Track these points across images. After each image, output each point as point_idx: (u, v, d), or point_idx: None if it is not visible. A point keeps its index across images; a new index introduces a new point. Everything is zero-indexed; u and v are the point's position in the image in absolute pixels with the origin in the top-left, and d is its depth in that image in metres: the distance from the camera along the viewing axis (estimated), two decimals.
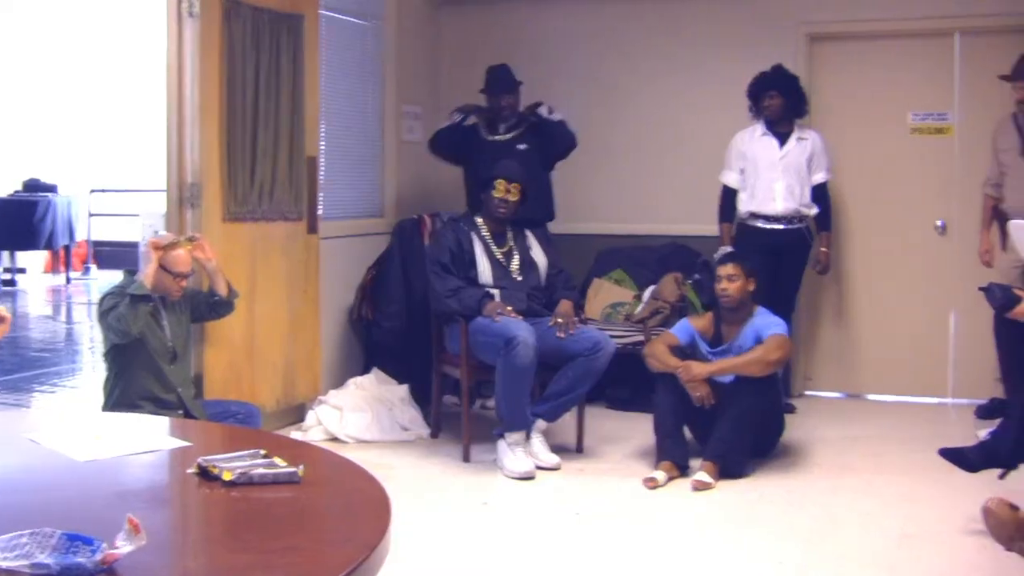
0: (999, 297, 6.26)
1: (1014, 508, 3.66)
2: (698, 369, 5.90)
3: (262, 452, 2.85)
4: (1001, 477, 5.07)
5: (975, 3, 7.81)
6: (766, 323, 6.13)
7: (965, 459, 5.18)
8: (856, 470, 6.16)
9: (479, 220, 6.51)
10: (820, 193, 7.54)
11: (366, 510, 2.60)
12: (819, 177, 7.50)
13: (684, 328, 6.32)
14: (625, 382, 7.47)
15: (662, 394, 6.01)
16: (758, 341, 6.04)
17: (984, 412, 7.26)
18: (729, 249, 7.27)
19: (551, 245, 6.83)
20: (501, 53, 7.77)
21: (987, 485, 5.11)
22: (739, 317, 6.17)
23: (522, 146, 7.27)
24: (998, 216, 7.39)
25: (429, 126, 8.38)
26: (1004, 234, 7.23)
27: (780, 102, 7.38)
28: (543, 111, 7.29)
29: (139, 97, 14.75)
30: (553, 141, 7.35)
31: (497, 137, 7.30)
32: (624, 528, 5.13)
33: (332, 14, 7.33)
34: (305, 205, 6.77)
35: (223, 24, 6.11)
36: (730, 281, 6.09)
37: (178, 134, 6.03)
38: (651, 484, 5.70)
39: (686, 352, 6.13)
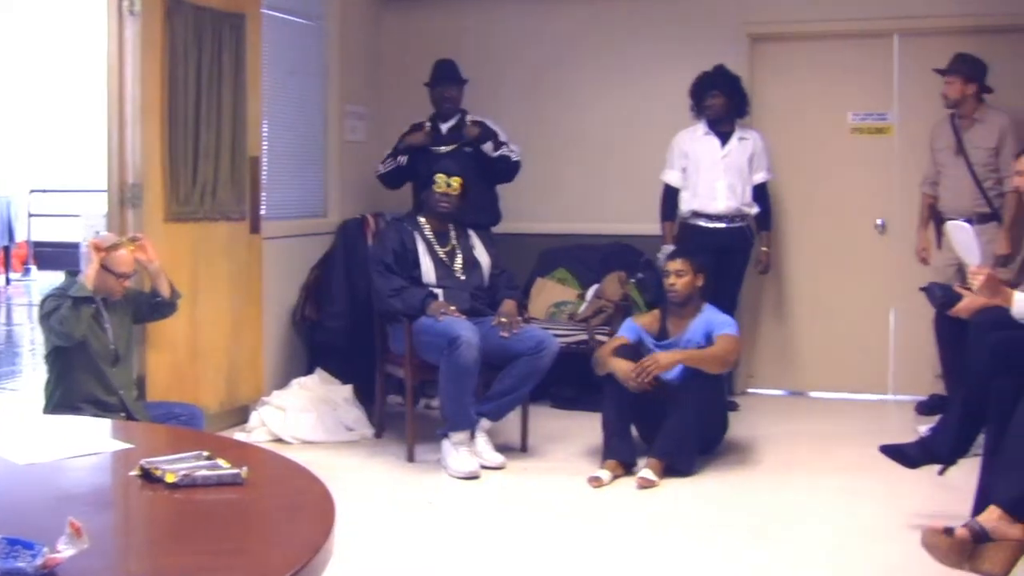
0: (939, 296, 6.34)
1: (948, 532, 3.69)
2: (665, 359, 5.93)
3: (205, 454, 2.84)
4: (940, 473, 5.14)
5: (913, 5, 7.90)
6: (718, 321, 6.20)
7: (905, 456, 5.23)
8: (800, 467, 6.21)
9: (422, 220, 6.52)
10: (761, 193, 7.60)
11: (310, 511, 2.60)
12: (760, 177, 7.56)
13: (629, 327, 6.38)
14: (569, 381, 7.50)
15: (609, 393, 6.04)
16: (708, 337, 6.11)
17: (924, 408, 7.35)
18: (671, 248, 7.33)
19: (493, 245, 6.85)
20: (444, 53, 7.77)
21: (929, 480, 5.19)
22: (686, 312, 6.24)
23: (468, 148, 7.34)
24: (935, 215, 7.49)
25: (372, 126, 8.41)
26: (940, 233, 7.34)
27: (722, 102, 7.43)
28: (487, 148, 7.35)
29: (79, 96, 14.61)
30: (495, 174, 7.46)
31: (442, 148, 7.31)
32: (571, 527, 5.13)
33: (274, 13, 7.29)
34: (248, 205, 6.74)
35: (164, 23, 6.06)
36: (678, 276, 6.17)
37: (119, 134, 5.98)
38: (596, 483, 5.72)
39: (637, 350, 6.17)
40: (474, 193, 6.90)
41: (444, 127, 7.42)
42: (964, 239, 5.00)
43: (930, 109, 7.62)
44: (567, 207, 8.44)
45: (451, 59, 7.53)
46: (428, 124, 7.45)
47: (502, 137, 7.42)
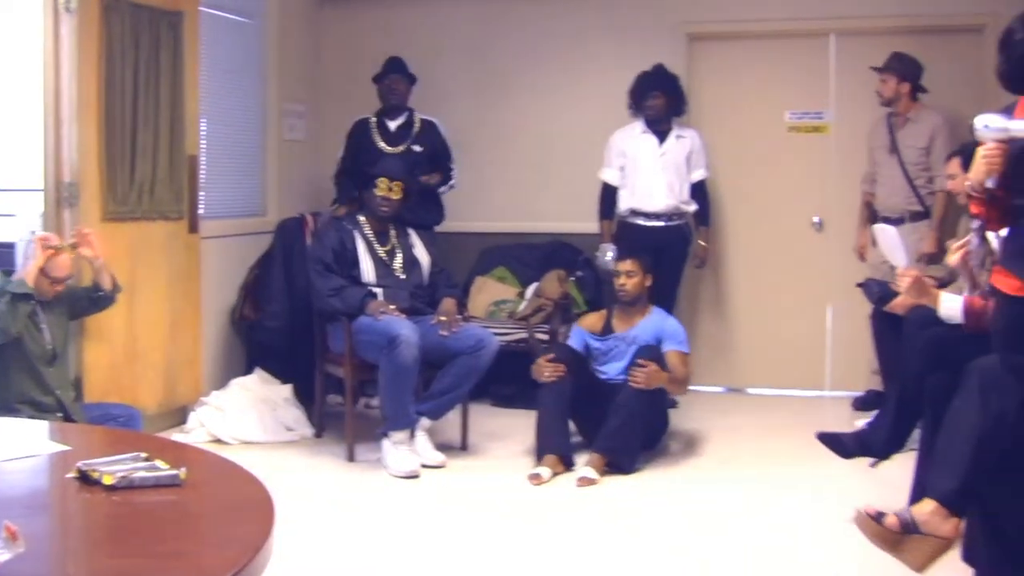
0: (876, 292, 6.45)
1: (878, 519, 3.73)
2: (653, 380, 5.95)
3: (143, 455, 2.82)
4: (872, 465, 5.21)
5: (849, 5, 7.98)
6: (670, 331, 6.33)
7: (841, 445, 5.30)
8: (739, 462, 6.26)
9: (362, 219, 6.51)
10: (699, 190, 7.65)
11: (249, 512, 2.58)
12: (698, 175, 7.61)
13: (576, 334, 6.50)
14: (509, 379, 7.51)
15: (546, 390, 6.06)
16: (658, 340, 6.22)
17: (860, 404, 7.42)
18: (611, 246, 7.37)
19: (435, 244, 6.86)
20: (384, 51, 7.77)
21: (866, 475, 5.26)
22: (634, 311, 6.36)
23: (417, 147, 7.38)
24: (873, 213, 7.58)
25: (311, 124, 8.39)
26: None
27: (663, 102, 7.47)
28: (442, 191, 7.56)
29: (14, 94, 14.43)
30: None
31: (391, 148, 7.31)
32: (512, 526, 5.14)
33: (212, 11, 7.24)
34: (186, 204, 6.69)
35: (101, 20, 6.02)
36: (629, 277, 6.29)
37: (55, 132, 5.91)
38: (536, 480, 5.73)
39: (577, 356, 6.26)
40: (419, 193, 6.95)
41: (392, 125, 7.42)
42: (889, 241, 5.08)
43: (866, 108, 7.72)
44: (507, 206, 8.45)
45: (399, 57, 7.58)
46: (374, 119, 7.45)
47: (448, 144, 7.56)
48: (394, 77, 7.48)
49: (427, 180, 7.30)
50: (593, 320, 6.54)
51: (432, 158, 7.48)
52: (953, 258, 5.01)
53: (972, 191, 3.93)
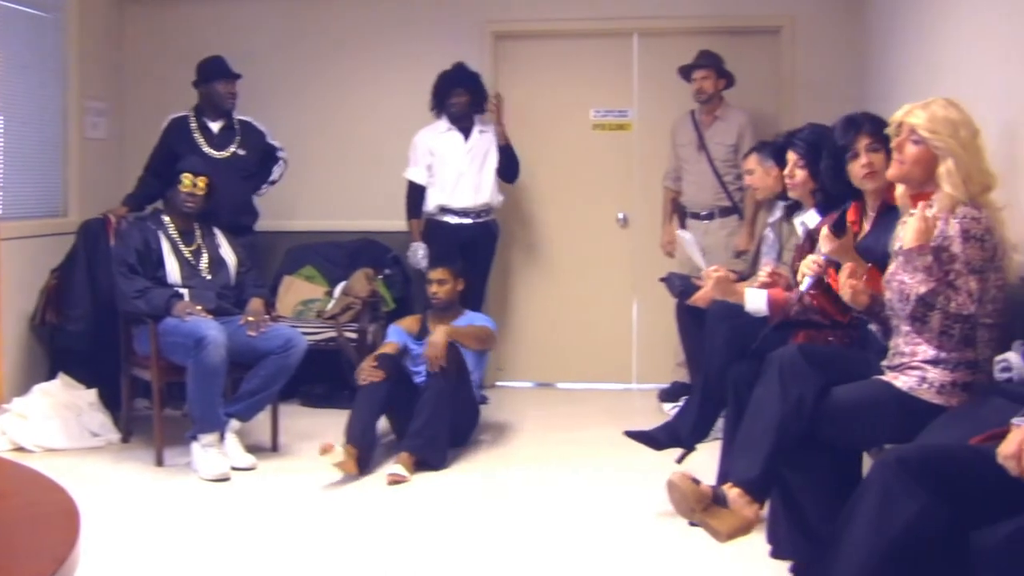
0: (678, 286, 6.63)
1: (696, 482, 3.86)
2: (438, 337, 6.09)
3: None
4: (678, 461, 5.34)
5: (652, 6, 8.16)
6: (478, 321, 6.58)
7: (652, 439, 5.43)
8: (550, 457, 6.33)
9: (166, 219, 6.41)
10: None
11: (54, 521, 2.55)
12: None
13: (394, 332, 6.56)
14: (319, 379, 7.51)
15: (362, 391, 6.08)
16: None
17: (666, 395, 7.58)
18: (421, 245, 7.41)
19: (253, 245, 6.82)
20: (192, 48, 7.68)
21: (673, 467, 5.36)
22: (448, 316, 6.49)
23: (241, 151, 7.31)
24: (678, 209, 7.76)
25: (114, 122, 8.22)
26: (683, 226, 7.60)
27: (466, 99, 7.54)
28: (275, 176, 7.53)
29: None
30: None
31: (218, 153, 7.20)
32: (325, 526, 5.11)
33: (9, 4, 7.06)
34: None
35: None
36: (440, 285, 6.46)
37: None
38: (325, 450, 5.69)
39: (397, 360, 6.31)
40: (234, 195, 6.93)
41: (215, 126, 7.30)
42: (687, 247, 5.22)
43: (667, 106, 7.92)
44: (314, 204, 8.40)
45: (220, 56, 7.43)
46: (194, 120, 7.31)
47: (269, 139, 7.50)
48: (227, 81, 7.31)
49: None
50: (409, 323, 6.64)
51: (260, 161, 7.43)
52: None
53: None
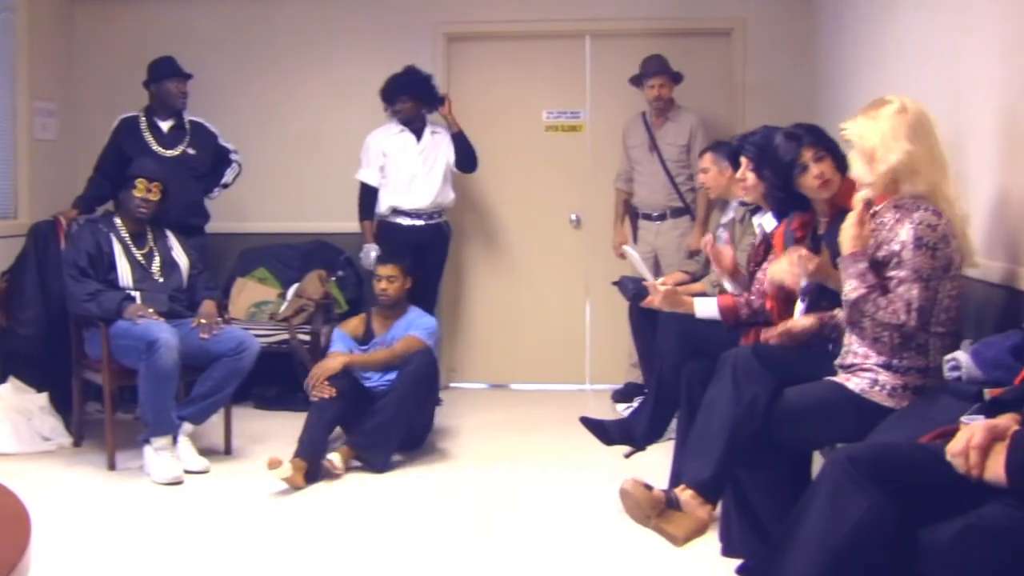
0: (631, 289, 6.68)
1: (648, 488, 3.89)
2: (331, 363, 6.12)
3: None
4: (627, 456, 5.37)
5: (603, 8, 8.18)
6: (418, 323, 6.45)
7: (604, 431, 5.45)
8: (504, 458, 6.35)
9: (118, 221, 6.38)
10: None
11: (4, 527, 2.53)
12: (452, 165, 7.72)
13: (339, 339, 6.50)
14: (272, 381, 7.49)
15: (314, 407, 6.08)
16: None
17: (619, 396, 7.61)
18: (374, 247, 7.39)
19: (205, 247, 6.80)
20: (142, 49, 7.65)
21: (627, 467, 5.40)
22: (394, 313, 6.46)
23: (192, 151, 7.27)
24: (629, 210, 7.79)
25: (64, 123, 8.15)
26: (636, 227, 7.64)
27: (412, 105, 7.51)
28: (227, 179, 7.50)
29: None
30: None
31: (167, 152, 7.16)
32: (279, 528, 5.10)
33: None
34: None
35: None
36: (390, 282, 6.39)
37: None
38: (274, 464, 5.63)
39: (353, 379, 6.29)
40: (183, 195, 6.90)
41: (165, 126, 7.27)
42: (634, 262, 5.25)
43: (619, 107, 7.96)
44: (266, 206, 8.37)
45: (171, 56, 7.38)
46: (144, 119, 7.27)
47: (221, 141, 7.47)
48: (179, 81, 7.27)
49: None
50: (354, 324, 6.61)
51: (212, 163, 7.40)
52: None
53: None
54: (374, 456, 5.97)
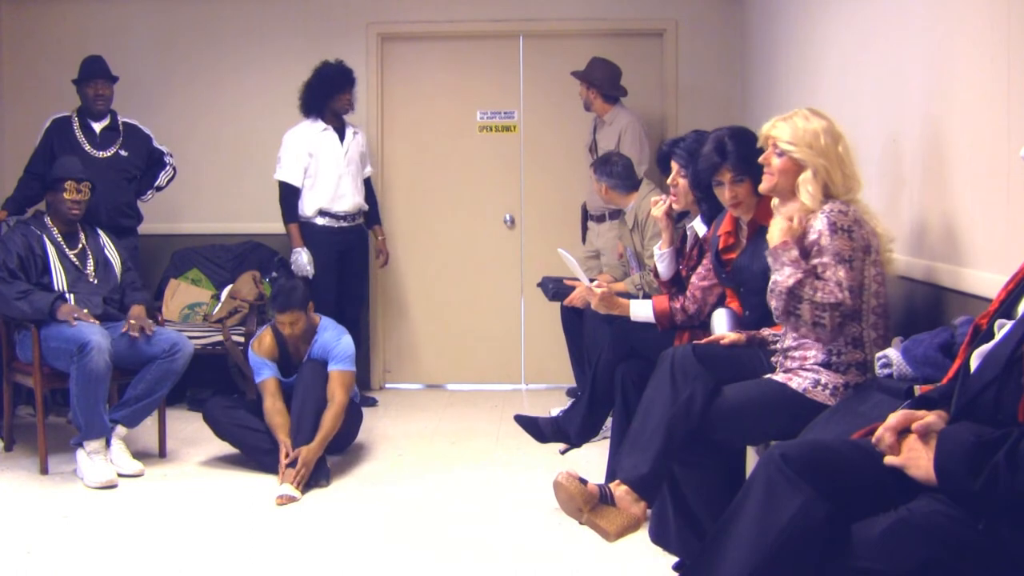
0: (551, 289, 6.76)
1: (583, 481, 3.91)
2: (307, 455, 5.75)
3: None
4: (562, 452, 5.40)
5: (537, 8, 8.22)
6: (336, 351, 6.17)
7: (538, 429, 5.48)
8: (440, 459, 6.36)
9: (49, 221, 6.32)
10: (368, 187, 7.77)
11: None
12: (367, 171, 7.72)
13: (262, 365, 6.22)
14: (206, 383, 7.46)
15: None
16: (325, 357, 6.12)
17: (574, 393, 7.60)
18: (303, 251, 7.33)
19: (137, 248, 6.78)
20: (71, 49, 7.61)
21: (559, 462, 5.44)
22: (306, 339, 6.21)
23: (124, 152, 7.23)
24: (583, 211, 7.80)
25: None
26: (585, 228, 7.67)
27: (349, 99, 7.49)
28: (161, 183, 7.45)
29: None
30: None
31: (100, 153, 7.10)
32: (213, 535, 5.07)
33: None
34: None
35: None
36: (293, 325, 6.11)
37: None
38: (282, 500, 5.51)
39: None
40: (115, 195, 6.92)
41: (97, 127, 7.20)
42: (569, 265, 5.28)
43: (553, 108, 8.04)
44: (199, 207, 8.33)
45: (100, 55, 7.30)
46: (76, 119, 7.20)
47: (155, 143, 7.43)
48: (100, 82, 7.20)
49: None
50: (268, 346, 6.25)
51: (145, 165, 7.37)
52: (656, 211, 5.24)
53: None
54: (317, 474, 5.81)
